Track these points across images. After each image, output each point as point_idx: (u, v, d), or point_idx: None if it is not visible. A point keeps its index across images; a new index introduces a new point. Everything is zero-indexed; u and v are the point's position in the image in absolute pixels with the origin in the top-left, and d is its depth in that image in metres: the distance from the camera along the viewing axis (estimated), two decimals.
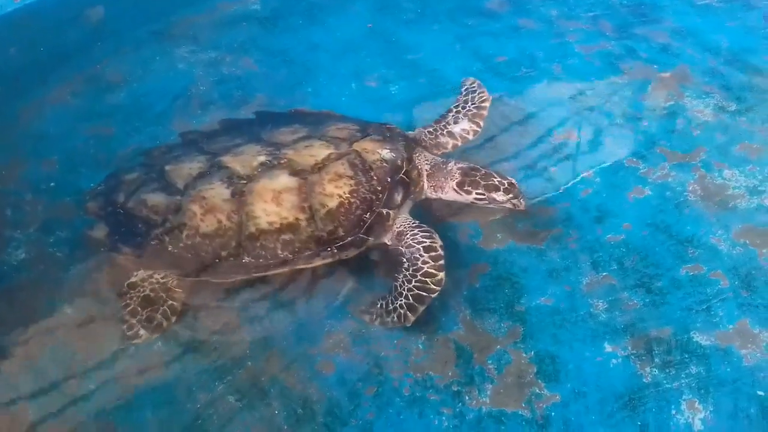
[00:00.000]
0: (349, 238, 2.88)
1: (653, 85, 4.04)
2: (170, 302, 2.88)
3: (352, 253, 2.91)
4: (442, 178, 3.15)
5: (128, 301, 2.87)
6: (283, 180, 2.84)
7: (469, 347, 2.77)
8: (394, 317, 2.75)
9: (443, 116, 3.47)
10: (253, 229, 2.80)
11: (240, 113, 3.75)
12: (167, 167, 3.00)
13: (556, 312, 2.88)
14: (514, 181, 3.06)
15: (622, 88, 4.03)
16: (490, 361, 2.72)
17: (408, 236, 2.93)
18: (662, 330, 2.80)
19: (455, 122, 3.41)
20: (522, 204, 3.06)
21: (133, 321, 2.81)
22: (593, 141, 3.68)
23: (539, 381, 2.65)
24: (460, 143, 3.39)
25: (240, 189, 2.83)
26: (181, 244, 2.84)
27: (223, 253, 2.82)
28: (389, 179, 2.98)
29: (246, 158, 2.93)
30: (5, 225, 3.25)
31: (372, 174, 2.95)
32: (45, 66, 4.11)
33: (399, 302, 2.76)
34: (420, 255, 2.83)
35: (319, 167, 2.89)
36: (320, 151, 2.94)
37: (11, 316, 2.89)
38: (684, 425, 2.51)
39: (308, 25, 4.65)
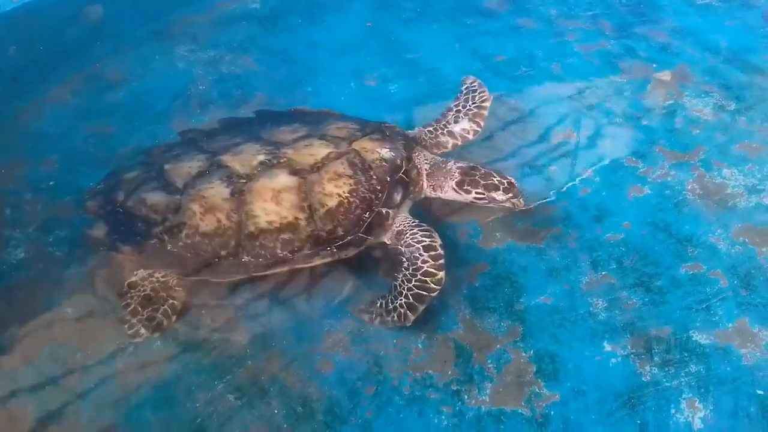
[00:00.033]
0: (349, 238, 2.88)
1: (652, 84, 4.04)
2: (171, 301, 2.88)
3: (351, 252, 2.91)
4: (442, 178, 3.15)
5: (129, 301, 2.87)
6: (283, 179, 2.84)
7: (468, 346, 2.77)
8: (394, 316, 2.75)
9: (443, 115, 3.47)
10: (252, 228, 2.80)
11: (239, 112, 3.75)
12: (167, 166, 3.00)
13: (555, 311, 2.88)
14: (513, 180, 3.06)
15: (621, 87, 4.03)
16: (489, 360, 2.72)
17: (408, 235, 2.93)
18: (662, 329, 2.80)
19: (455, 121, 3.41)
20: (521, 203, 3.06)
21: (134, 320, 2.81)
22: (592, 140, 3.68)
23: (539, 380, 2.65)
24: (460, 143, 3.39)
25: (239, 188, 2.83)
26: (181, 243, 2.84)
27: (223, 253, 2.82)
28: (389, 178, 2.98)
29: (245, 157, 2.93)
30: (5, 224, 3.25)
31: (371, 173, 2.95)
32: (44, 65, 4.12)
33: (399, 301, 2.76)
34: (420, 254, 2.83)
35: (319, 166, 2.89)
36: (320, 150, 2.94)
37: (11, 314, 2.89)
38: (684, 424, 2.51)
39: (308, 24, 4.65)
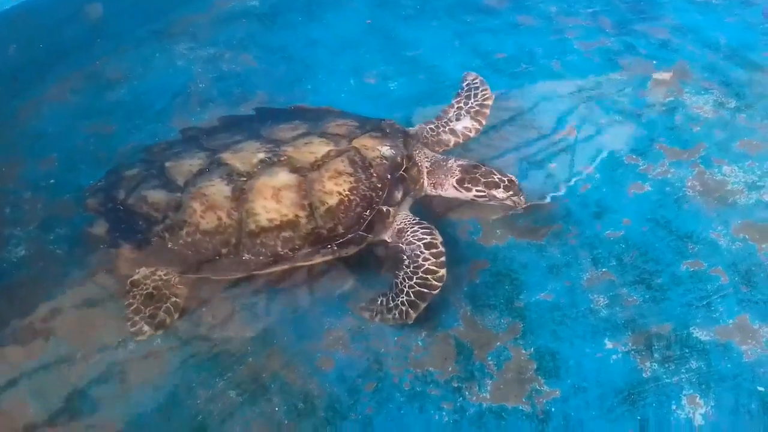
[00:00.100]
0: (349, 236, 2.88)
1: (652, 82, 4.05)
2: (173, 299, 2.87)
3: (351, 250, 2.91)
4: (442, 175, 3.14)
5: (131, 299, 2.87)
6: (283, 177, 2.84)
7: (469, 343, 2.78)
8: (395, 314, 2.75)
9: (444, 112, 3.47)
10: (253, 226, 2.80)
11: (239, 110, 3.75)
12: (167, 164, 3.00)
13: (556, 308, 2.88)
14: (514, 178, 3.06)
15: (621, 85, 4.03)
16: (490, 357, 2.73)
17: (408, 233, 2.93)
18: (662, 326, 2.80)
19: (457, 119, 3.42)
20: (522, 201, 3.06)
21: (137, 318, 2.81)
22: (592, 137, 3.69)
23: (539, 377, 2.65)
24: (461, 141, 3.39)
25: (240, 186, 2.83)
26: (182, 241, 2.84)
27: (224, 250, 2.82)
28: (389, 176, 2.98)
29: (246, 155, 2.93)
30: (5, 223, 3.25)
31: (372, 171, 2.95)
32: (44, 64, 4.11)
33: (400, 299, 2.76)
34: (421, 252, 2.83)
35: (319, 164, 2.89)
36: (320, 148, 2.94)
37: (11, 313, 2.89)
38: (685, 420, 2.51)
39: (307, 22, 4.65)
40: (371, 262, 3.09)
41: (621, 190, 3.37)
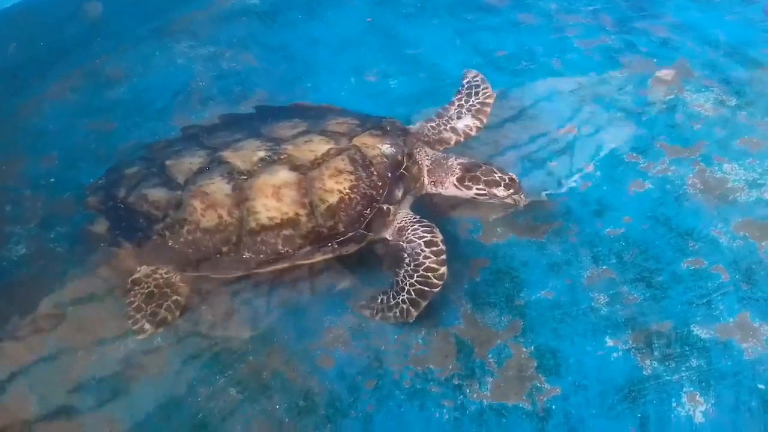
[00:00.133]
0: (350, 234, 2.88)
1: (653, 80, 4.04)
2: (174, 297, 2.88)
3: (352, 248, 2.91)
4: (443, 174, 3.14)
5: (132, 298, 2.87)
6: (283, 175, 2.84)
7: (469, 341, 2.78)
8: (396, 312, 2.75)
9: (445, 109, 3.47)
10: (253, 224, 2.80)
11: (240, 108, 3.75)
12: (168, 162, 2.99)
13: (556, 306, 2.88)
14: (514, 176, 3.06)
15: (621, 83, 4.03)
16: (490, 355, 2.73)
17: (409, 231, 2.93)
18: (663, 324, 2.80)
19: (458, 117, 3.42)
20: (522, 199, 3.06)
21: (138, 316, 2.82)
22: (593, 135, 3.68)
23: (540, 375, 2.66)
24: (462, 139, 3.39)
25: (240, 184, 2.83)
26: (182, 239, 2.84)
27: (224, 249, 2.82)
28: (389, 174, 2.98)
29: (246, 153, 2.93)
30: (5, 221, 3.25)
31: (372, 169, 2.95)
32: (44, 62, 4.11)
33: (401, 297, 2.76)
34: (421, 250, 2.83)
35: (319, 162, 2.88)
36: (320, 146, 2.94)
37: (12, 311, 2.89)
38: (685, 417, 2.51)
39: (307, 20, 4.65)
40: (371, 260, 3.09)
41: (621, 188, 3.37)
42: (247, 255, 2.82)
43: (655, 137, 3.64)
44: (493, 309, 2.88)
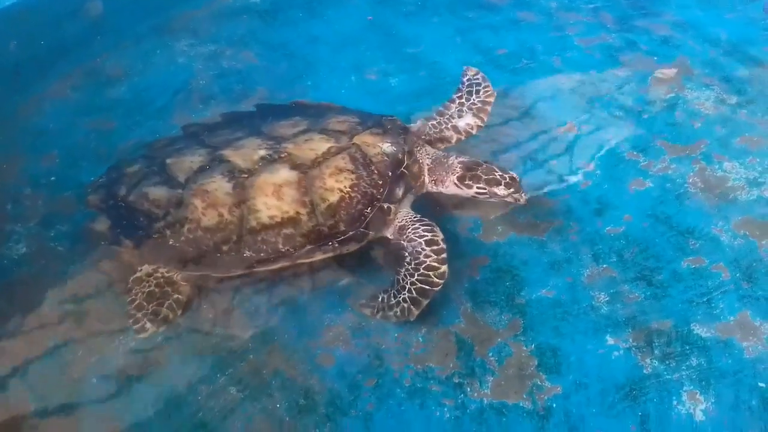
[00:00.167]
0: (350, 233, 2.88)
1: (653, 78, 4.05)
2: (176, 296, 2.88)
3: (353, 247, 2.91)
4: (443, 172, 3.14)
5: (134, 296, 2.87)
6: (284, 174, 2.84)
7: (470, 340, 2.78)
8: (397, 311, 2.75)
9: (446, 107, 3.47)
10: (254, 223, 2.80)
11: (240, 107, 3.75)
12: (168, 160, 2.99)
13: (557, 304, 2.88)
14: (515, 175, 3.06)
15: (622, 81, 4.03)
16: (491, 354, 2.73)
17: (409, 230, 2.93)
18: (663, 322, 2.80)
19: (459, 116, 3.41)
20: (523, 198, 3.05)
21: (139, 315, 2.82)
22: (593, 133, 3.68)
23: (540, 373, 2.66)
24: (463, 138, 3.39)
25: (241, 183, 2.83)
26: (183, 238, 2.84)
27: (225, 247, 2.82)
28: (390, 173, 2.98)
29: (247, 152, 2.93)
30: (6, 219, 3.25)
31: (373, 168, 2.95)
32: (44, 60, 4.11)
33: (402, 296, 2.76)
34: (422, 249, 2.83)
35: (320, 161, 2.88)
36: (320, 144, 2.94)
37: (12, 310, 2.89)
38: (685, 416, 2.51)
39: (308, 18, 4.65)
40: (372, 259, 3.09)
41: (622, 187, 3.37)
42: (247, 254, 2.82)
43: (656, 135, 3.65)
44: (494, 307, 2.88)
